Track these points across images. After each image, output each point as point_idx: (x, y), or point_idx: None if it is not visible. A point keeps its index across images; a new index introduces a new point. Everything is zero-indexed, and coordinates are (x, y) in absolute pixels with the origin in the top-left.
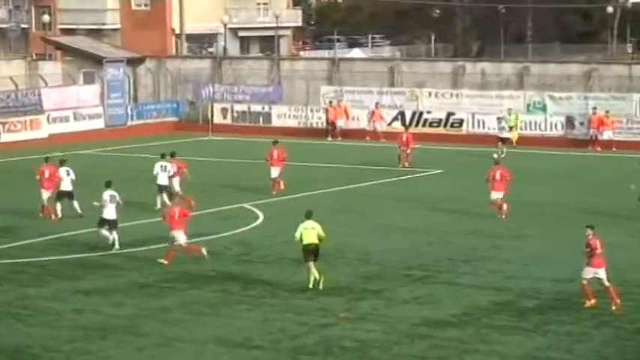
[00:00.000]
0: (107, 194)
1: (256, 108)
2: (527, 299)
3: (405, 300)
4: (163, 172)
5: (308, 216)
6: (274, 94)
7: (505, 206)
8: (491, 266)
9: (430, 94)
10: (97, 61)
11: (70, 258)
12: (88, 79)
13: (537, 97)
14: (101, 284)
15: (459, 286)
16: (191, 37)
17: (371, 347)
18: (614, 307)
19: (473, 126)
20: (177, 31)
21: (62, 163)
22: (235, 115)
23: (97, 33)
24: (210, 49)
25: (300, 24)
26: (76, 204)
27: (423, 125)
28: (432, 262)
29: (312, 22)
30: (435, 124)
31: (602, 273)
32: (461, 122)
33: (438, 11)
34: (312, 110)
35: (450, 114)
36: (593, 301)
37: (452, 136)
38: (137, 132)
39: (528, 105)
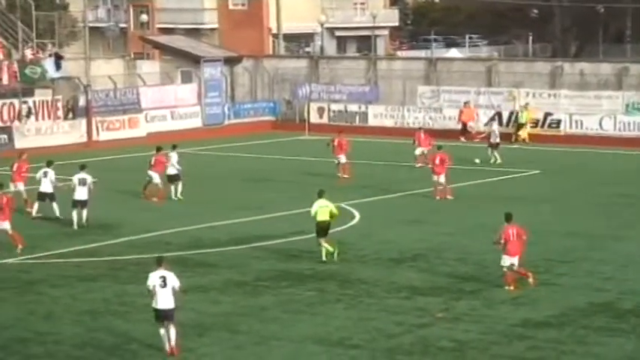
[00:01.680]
0: (77, 177)
1: (353, 107)
2: (626, 301)
3: (503, 300)
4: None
5: (320, 195)
6: (371, 93)
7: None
8: (588, 267)
9: (528, 94)
10: (195, 60)
11: (167, 256)
12: (186, 78)
13: (636, 98)
14: (198, 282)
15: (556, 286)
16: (288, 37)
17: (468, 347)
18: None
19: (571, 126)
20: (275, 31)
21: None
22: (332, 114)
23: (194, 32)
24: (307, 49)
25: (397, 24)
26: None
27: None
28: (529, 262)
29: (409, 22)
30: (532, 125)
31: (516, 260)
32: (558, 123)
33: (536, 11)
34: (408, 110)
35: (547, 114)
36: (512, 287)
37: (549, 136)
38: (234, 131)
39: (627, 105)
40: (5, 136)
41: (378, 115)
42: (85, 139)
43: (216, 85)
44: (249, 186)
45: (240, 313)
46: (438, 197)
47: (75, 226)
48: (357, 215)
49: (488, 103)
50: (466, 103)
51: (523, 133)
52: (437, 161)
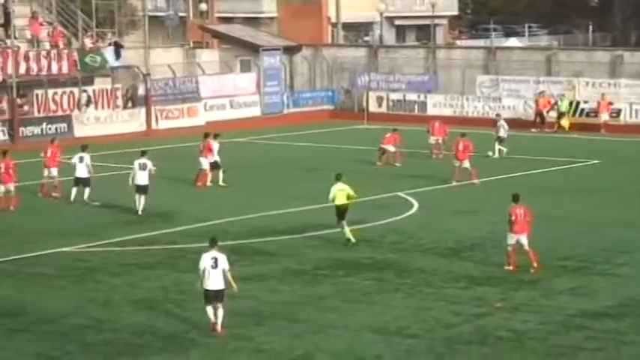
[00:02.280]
0: (137, 163)
1: (412, 97)
2: None
3: (561, 291)
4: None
5: (338, 178)
6: (430, 82)
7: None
8: None
9: (587, 83)
10: (254, 49)
11: (225, 244)
12: (245, 67)
13: None
14: (256, 270)
15: (615, 277)
16: (347, 26)
17: (526, 338)
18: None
19: (631, 116)
20: (334, 20)
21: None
22: (391, 103)
23: (253, 21)
24: (366, 38)
25: (456, 13)
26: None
27: (580, 115)
28: (588, 252)
29: (469, 11)
30: (592, 114)
31: (523, 238)
32: (618, 112)
33: (596, 0)
34: (467, 99)
35: (607, 104)
36: (512, 267)
37: (609, 126)
38: (292, 120)
39: None
40: (65, 125)
41: (437, 105)
42: (144, 127)
43: (275, 74)
44: (306, 175)
45: (298, 302)
46: (455, 182)
47: (139, 211)
48: (416, 205)
49: (547, 92)
50: (541, 93)
51: (564, 122)
52: (460, 147)
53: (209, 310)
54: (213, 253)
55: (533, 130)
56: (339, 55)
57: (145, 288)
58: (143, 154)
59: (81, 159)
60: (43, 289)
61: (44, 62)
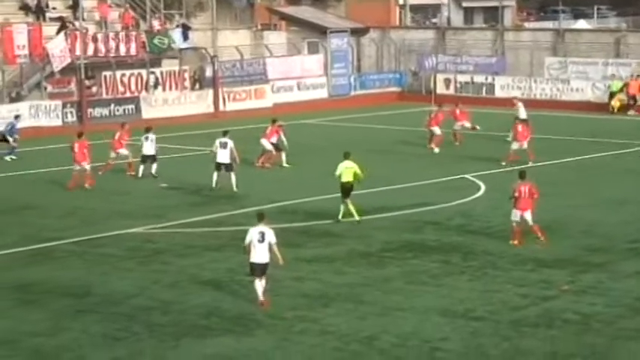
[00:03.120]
0: (218, 141)
1: (479, 79)
2: None
3: (629, 274)
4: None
5: (346, 156)
6: (498, 64)
7: None
8: None
9: None
10: (322, 31)
11: (292, 226)
12: (312, 49)
13: None
14: (322, 252)
15: None
16: (415, 8)
17: (594, 321)
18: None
19: None
20: (401, 2)
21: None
22: (458, 85)
23: (321, 3)
24: (433, 20)
25: None
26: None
27: None
28: None
29: None
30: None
31: (527, 215)
32: None
33: None
34: (535, 81)
35: None
36: (516, 241)
37: None
38: (360, 102)
39: None
40: (132, 107)
41: (505, 87)
42: (211, 109)
43: (342, 56)
44: (373, 157)
45: (364, 284)
46: (504, 162)
47: (214, 185)
48: (483, 187)
49: (616, 74)
50: (633, 76)
51: (615, 103)
52: (519, 129)
53: (257, 283)
54: (261, 227)
55: (630, 112)
56: (406, 37)
57: (211, 269)
58: (225, 133)
59: (147, 138)
60: (109, 270)
61: (112, 44)
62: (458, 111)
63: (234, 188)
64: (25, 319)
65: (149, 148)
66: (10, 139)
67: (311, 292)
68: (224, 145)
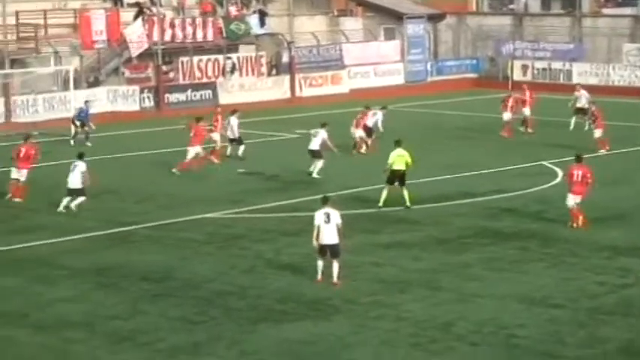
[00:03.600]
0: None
1: (557, 65)
2: None
3: None
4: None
5: (398, 144)
6: (575, 51)
7: None
8: None
9: None
10: (398, 17)
11: (369, 212)
12: (389, 35)
13: None
14: (400, 238)
15: None
16: None
17: None
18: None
19: None
20: None
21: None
22: (535, 72)
23: None
24: (511, 6)
25: None
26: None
27: None
28: None
29: None
30: None
31: (578, 198)
32: None
33: None
34: (613, 68)
35: None
36: (575, 224)
37: None
38: (436, 88)
39: None
40: (209, 92)
41: (583, 73)
42: (288, 95)
43: (418, 42)
44: (450, 143)
45: (441, 270)
46: (602, 151)
47: (314, 174)
48: (560, 174)
49: None
50: None
51: None
52: (596, 114)
53: (319, 263)
54: (326, 209)
55: None
56: (483, 23)
57: (288, 254)
58: (323, 125)
59: (228, 122)
60: (188, 255)
61: (189, 30)
62: (511, 101)
63: (315, 174)
64: (102, 302)
65: (233, 132)
66: (85, 125)
67: (388, 277)
68: (315, 134)
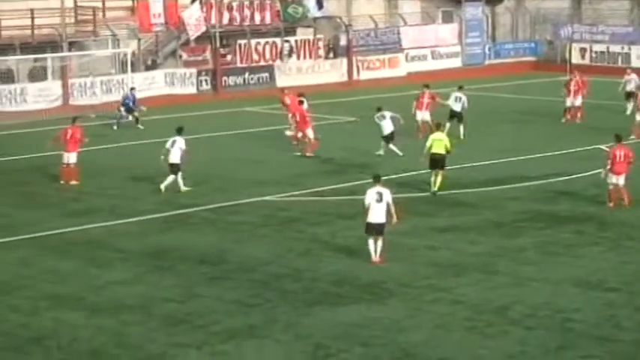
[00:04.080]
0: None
1: (615, 48)
2: None
3: None
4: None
5: (437, 127)
6: (635, 34)
7: None
8: None
9: None
10: (456, 0)
11: (425, 195)
12: (447, 18)
13: None
14: (456, 222)
15: None
16: None
17: None
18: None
19: None
20: None
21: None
22: (594, 55)
23: None
24: None
25: None
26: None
27: None
28: None
29: None
30: None
31: (621, 179)
32: None
33: None
34: None
35: None
36: (612, 204)
37: None
38: (494, 71)
39: None
40: (267, 75)
41: None
42: (345, 78)
43: (476, 25)
44: (508, 127)
45: (497, 254)
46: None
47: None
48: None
49: None
50: None
51: None
52: None
53: (371, 242)
54: (378, 188)
55: None
56: (541, 6)
57: (344, 237)
58: (379, 109)
59: (383, 116)
60: (244, 238)
61: (247, 12)
62: (572, 87)
63: (380, 152)
64: (159, 285)
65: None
66: (134, 111)
67: (443, 261)
68: (381, 118)
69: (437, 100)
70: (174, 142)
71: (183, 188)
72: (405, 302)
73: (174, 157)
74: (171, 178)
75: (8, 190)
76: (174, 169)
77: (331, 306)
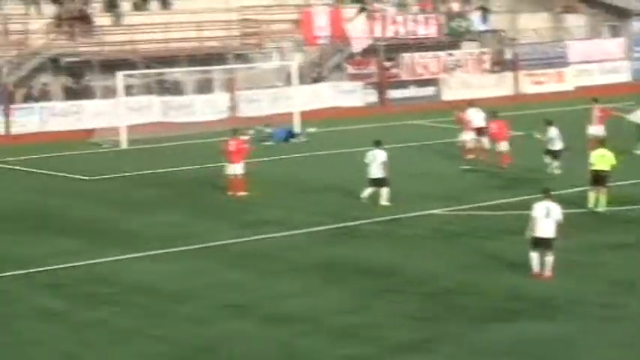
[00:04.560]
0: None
1: None
2: None
3: None
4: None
5: (602, 144)
6: None
7: None
8: None
9: None
10: (622, 14)
11: (591, 212)
12: (613, 33)
13: None
14: (626, 239)
15: None
16: None
17: None
18: None
19: None
20: None
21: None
22: None
23: None
24: None
25: None
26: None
27: None
28: None
29: None
30: None
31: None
32: None
33: None
34: None
35: None
36: None
37: None
38: None
39: None
40: (432, 89)
41: None
42: (511, 92)
43: None
44: None
45: None
46: None
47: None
48: None
49: None
50: None
51: None
52: None
53: (534, 256)
54: (546, 202)
55: None
56: None
57: (513, 252)
58: (549, 123)
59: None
60: (413, 251)
61: (412, 26)
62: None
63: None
64: (328, 297)
65: (479, 120)
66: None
67: (614, 278)
68: (545, 136)
69: (612, 113)
70: (374, 155)
71: (383, 203)
72: (576, 319)
73: (376, 172)
74: (370, 190)
75: (179, 200)
76: (377, 183)
77: (501, 321)
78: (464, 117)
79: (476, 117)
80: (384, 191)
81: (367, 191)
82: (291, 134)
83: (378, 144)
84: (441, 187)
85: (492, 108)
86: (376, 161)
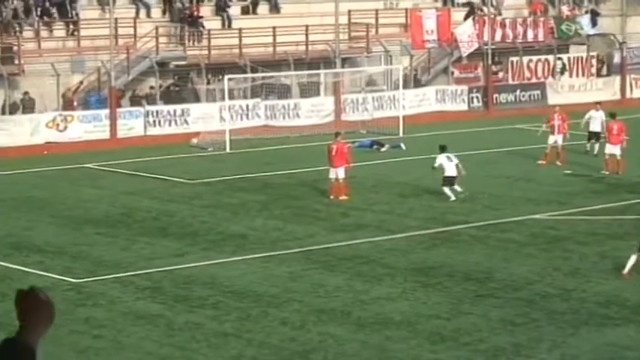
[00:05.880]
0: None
1: None
2: None
3: None
4: None
5: None
6: None
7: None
8: None
9: None
10: None
11: None
12: None
13: None
14: None
15: None
16: None
17: None
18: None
19: None
20: None
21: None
22: None
23: None
24: None
25: None
26: None
27: None
28: None
29: None
30: None
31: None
32: None
33: None
34: None
35: None
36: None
37: None
38: None
39: None
40: (538, 92)
41: None
42: (618, 96)
43: None
44: None
45: None
46: None
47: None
48: None
49: None
50: None
51: None
52: None
53: (633, 258)
54: None
55: None
56: None
57: (613, 258)
58: None
59: (590, 116)
60: (511, 256)
61: (520, 29)
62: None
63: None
64: (425, 301)
65: (596, 124)
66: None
67: None
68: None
69: None
70: (451, 159)
71: (452, 197)
72: None
73: (451, 171)
74: (447, 189)
75: (280, 203)
76: (451, 181)
77: (598, 327)
78: (553, 120)
79: (594, 120)
80: (453, 188)
81: (448, 191)
82: (377, 144)
83: (443, 149)
84: (543, 192)
85: (610, 110)
86: (452, 162)
